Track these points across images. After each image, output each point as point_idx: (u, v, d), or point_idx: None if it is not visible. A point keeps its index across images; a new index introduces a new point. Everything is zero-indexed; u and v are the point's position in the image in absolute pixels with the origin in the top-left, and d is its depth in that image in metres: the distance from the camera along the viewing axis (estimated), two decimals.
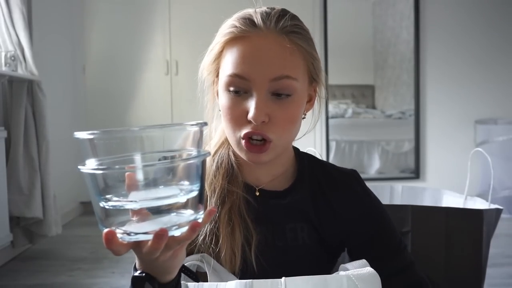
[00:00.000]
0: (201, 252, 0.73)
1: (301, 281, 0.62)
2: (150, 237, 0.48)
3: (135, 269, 0.58)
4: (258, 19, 0.70)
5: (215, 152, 0.78)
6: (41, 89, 2.59)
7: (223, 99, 0.71)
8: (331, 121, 3.94)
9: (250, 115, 0.67)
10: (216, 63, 0.73)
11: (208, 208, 0.54)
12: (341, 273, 0.65)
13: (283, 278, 0.63)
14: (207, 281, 0.69)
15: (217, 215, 0.73)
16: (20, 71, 2.54)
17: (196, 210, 0.52)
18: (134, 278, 0.57)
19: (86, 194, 3.94)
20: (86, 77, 3.79)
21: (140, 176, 0.48)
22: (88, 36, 3.78)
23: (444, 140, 3.92)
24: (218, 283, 0.65)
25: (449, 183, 3.25)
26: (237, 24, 0.70)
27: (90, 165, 0.48)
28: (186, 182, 0.50)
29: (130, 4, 3.78)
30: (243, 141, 0.69)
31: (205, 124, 0.53)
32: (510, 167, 3.41)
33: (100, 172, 0.47)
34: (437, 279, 1.00)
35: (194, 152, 0.52)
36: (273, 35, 0.69)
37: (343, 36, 3.94)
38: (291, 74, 0.69)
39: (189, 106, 3.64)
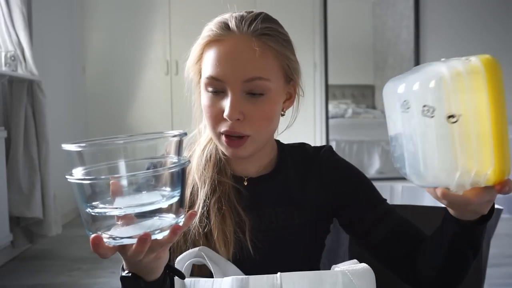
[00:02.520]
0: (193, 240, 0.76)
1: (297, 277, 0.64)
2: (134, 241, 0.52)
3: (123, 270, 0.62)
4: (232, 23, 0.74)
5: (204, 147, 0.83)
6: (41, 89, 2.59)
7: (203, 99, 0.76)
8: (331, 121, 3.94)
9: (225, 114, 0.72)
10: (198, 65, 0.78)
11: (188, 211, 0.57)
12: (336, 268, 0.66)
13: (279, 273, 0.64)
14: (208, 272, 0.71)
15: (208, 204, 0.77)
16: (20, 71, 2.54)
17: (177, 214, 0.55)
18: (122, 278, 0.61)
19: None
20: (86, 77, 3.79)
21: (124, 183, 0.51)
22: (88, 36, 3.78)
23: None
24: (214, 279, 0.67)
25: None
26: (213, 28, 0.75)
27: (76, 175, 0.52)
28: (168, 188, 0.54)
29: (130, 4, 3.78)
30: (223, 137, 0.74)
31: (185, 134, 0.56)
32: None
33: (87, 182, 0.51)
34: None
35: (175, 159, 0.55)
36: (245, 38, 0.73)
37: (343, 36, 3.94)
38: (263, 75, 0.72)
39: (189, 106, 3.64)
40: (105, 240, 0.52)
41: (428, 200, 1.29)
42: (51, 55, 3.16)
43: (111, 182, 0.51)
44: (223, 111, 0.72)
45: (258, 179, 0.82)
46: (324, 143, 3.90)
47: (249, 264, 0.75)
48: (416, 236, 0.78)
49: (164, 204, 0.53)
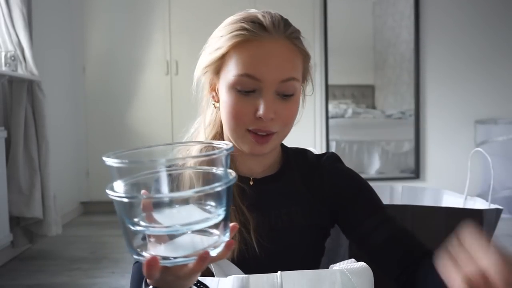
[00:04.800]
0: None
1: (296, 275, 0.64)
2: (189, 260, 0.49)
3: (146, 284, 0.59)
4: (267, 24, 0.75)
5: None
6: (41, 89, 2.59)
7: (228, 97, 0.76)
8: (331, 121, 3.94)
9: (260, 113, 0.73)
10: (219, 63, 0.77)
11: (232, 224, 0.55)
12: (335, 267, 0.67)
13: (279, 272, 0.65)
14: (210, 272, 0.71)
15: None
16: (20, 71, 2.54)
17: (224, 228, 0.52)
18: None
19: (86, 194, 3.95)
20: (86, 77, 3.78)
21: (167, 199, 0.49)
22: (88, 36, 3.78)
23: (444, 140, 3.92)
24: (215, 278, 0.67)
25: (449, 183, 3.25)
26: (248, 27, 0.74)
27: (118, 189, 0.48)
28: (213, 202, 0.50)
29: (130, 4, 3.78)
30: (249, 134, 0.76)
31: (231, 149, 0.52)
32: (510, 167, 3.41)
33: (126, 201, 0.47)
34: None
35: (221, 171, 0.51)
36: (282, 40, 0.75)
37: (343, 36, 3.94)
38: (296, 76, 0.76)
39: (189, 106, 3.64)
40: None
41: (428, 200, 1.29)
42: (51, 55, 3.16)
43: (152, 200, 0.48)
44: (253, 110, 0.74)
45: (263, 180, 0.83)
46: (324, 143, 3.91)
47: (253, 263, 0.75)
48: (415, 247, 0.77)
49: (216, 221, 0.50)
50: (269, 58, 0.74)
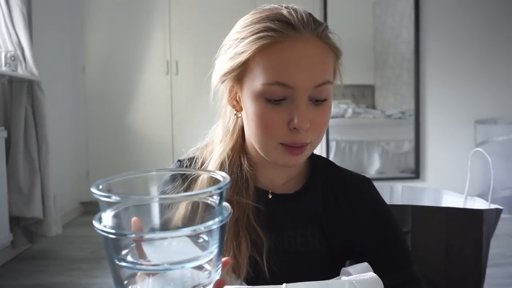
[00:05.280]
0: None
1: (303, 287, 0.62)
2: None
3: None
4: (296, 22, 0.65)
5: (223, 162, 0.75)
6: (41, 89, 2.59)
7: (256, 107, 0.67)
8: (331, 121, 3.90)
9: (296, 123, 0.65)
10: (242, 69, 0.68)
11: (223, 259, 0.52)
12: (343, 278, 0.64)
13: (284, 284, 0.62)
14: None
15: None
16: (20, 71, 2.54)
17: (216, 264, 0.49)
18: None
19: (86, 194, 3.94)
20: (86, 77, 3.78)
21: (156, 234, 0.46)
22: (88, 36, 3.78)
23: (444, 140, 3.92)
24: None
25: (449, 183, 3.25)
26: (274, 27, 0.65)
27: (106, 220, 0.46)
28: (208, 239, 0.48)
29: (130, 4, 3.78)
30: (282, 146, 0.68)
31: (229, 183, 0.49)
32: (510, 167, 3.41)
33: (114, 237, 0.44)
34: (437, 279, 1.00)
35: (215, 203, 0.48)
36: (314, 39, 0.66)
37: (343, 36, 3.92)
38: (330, 79, 0.69)
39: (189, 106, 3.64)
40: None
41: (428, 200, 1.29)
42: (51, 55, 3.16)
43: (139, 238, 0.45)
44: (286, 120, 0.66)
45: (282, 197, 0.76)
46: (324, 143, 3.91)
47: (262, 283, 0.70)
48: None
49: (208, 259, 0.47)
50: (302, 61, 0.64)
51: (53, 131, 2.76)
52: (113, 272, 0.47)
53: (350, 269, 0.67)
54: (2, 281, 2.26)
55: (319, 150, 3.85)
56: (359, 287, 0.61)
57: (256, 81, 0.66)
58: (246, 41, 0.66)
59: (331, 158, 3.93)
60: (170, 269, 0.45)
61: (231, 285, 0.70)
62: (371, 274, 0.64)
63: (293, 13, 0.66)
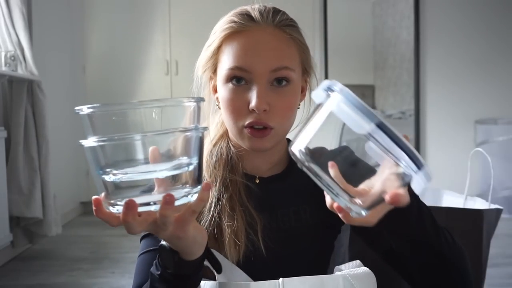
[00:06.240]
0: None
1: (298, 282, 0.63)
2: (151, 207, 0.51)
3: (157, 266, 0.62)
4: (255, 14, 0.74)
5: (214, 145, 0.81)
6: (41, 89, 2.59)
7: (224, 92, 0.74)
8: None
9: (253, 104, 0.71)
10: (214, 59, 0.76)
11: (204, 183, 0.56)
12: (337, 273, 0.66)
13: (281, 279, 0.63)
14: (212, 275, 0.70)
15: (219, 203, 0.75)
16: (20, 71, 2.54)
17: (197, 181, 0.54)
18: (160, 247, 0.61)
19: (86, 194, 3.94)
20: (86, 77, 3.79)
21: (143, 148, 0.50)
22: (88, 36, 3.78)
23: (444, 140, 3.92)
24: (215, 282, 0.66)
25: (449, 183, 3.24)
26: (236, 19, 0.73)
27: (90, 140, 0.50)
28: (185, 157, 0.52)
29: (130, 4, 3.78)
30: (246, 130, 0.73)
31: (202, 99, 0.54)
32: (510, 167, 3.41)
33: (103, 143, 0.49)
34: None
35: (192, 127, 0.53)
36: (271, 29, 0.73)
37: (343, 36, 3.94)
38: (289, 65, 0.73)
39: None
40: (112, 208, 0.51)
41: (428, 200, 1.29)
42: (51, 55, 3.16)
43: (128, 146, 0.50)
44: (247, 103, 0.72)
45: (270, 178, 0.81)
46: None
47: (260, 266, 0.73)
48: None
49: (188, 169, 0.52)
50: (258, 47, 0.72)
51: (53, 131, 2.76)
52: (99, 191, 0.51)
53: (343, 266, 0.69)
54: (2, 281, 2.26)
55: None
56: (353, 281, 0.63)
57: (223, 67, 0.74)
58: (216, 33, 0.76)
59: None
60: (142, 178, 0.50)
61: (230, 269, 0.72)
62: (364, 269, 0.66)
63: (257, 8, 0.75)
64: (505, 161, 3.41)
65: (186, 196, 0.52)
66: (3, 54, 2.53)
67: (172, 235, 0.56)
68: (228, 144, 0.80)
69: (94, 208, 0.51)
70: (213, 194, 0.75)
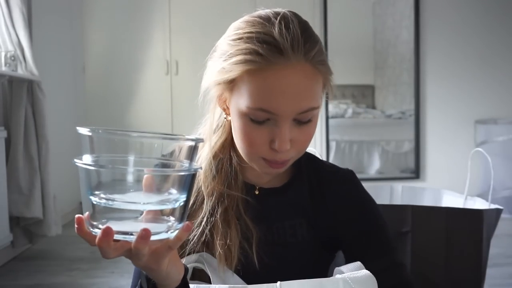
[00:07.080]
0: (195, 252, 0.74)
1: (297, 285, 0.62)
2: (130, 238, 0.50)
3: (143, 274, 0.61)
4: (285, 46, 0.64)
5: (215, 155, 0.77)
6: (41, 89, 2.59)
7: (240, 123, 0.69)
8: (331, 121, 3.94)
9: (277, 146, 0.67)
10: (230, 85, 0.69)
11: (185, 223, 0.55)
12: (337, 276, 0.65)
13: (279, 282, 0.63)
14: (207, 279, 0.69)
15: (212, 219, 0.74)
16: (20, 71, 2.54)
17: (181, 218, 0.53)
18: (143, 276, 0.61)
19: None
20: (86, 77, 3.78)
21: (130, 178, 0.50)
22: (88, 36, 3.78)
23: (444, 140, 3.92)
24: (212, 285, 0.65)
25: (449, 183, 3.25)
26: (262, 51, 0.63)
27: (86, 160, 0.50)
28: (174, 191, 0.52)
29: (130, 4, 3.78)
30: (263, 160, 0.70)
31: (201, 140, 0.54)
32: (510, 167, 3.41)
33: (93, 168, 0.49)
34: (437, 279, 1.00)
35: (186, 165, 0.53)
36: (302, 65, 0.65)
37: (343, 36, 3.94)
38: (316, 105, 0.68)
39: (189, 106, 3.64)
40: (93, 230, 0.50)
41: (428, 200, 1.29)
42: (51, 55, 3.16)
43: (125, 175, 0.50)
44: (267, 140, 0.68)
45: (269, 191, 0.79)
46: (324, 143, 3.91)
47: (253, 278, 0.71)
48: None
49: (174, 205, 0.52)
50: (287, 90, 0.64)
51: (53, 131, 2.76)
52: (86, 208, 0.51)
53: (343, 268, 0.68)
54: (2, 281, 2.26)
55: (319, 150, 3.85)
56: (353, 285, 0.62)
57: (242, 101, 0.67)
58: (234, 59, 0.66)
59: (331, 158, 3.93)
60: (134, 208, 0.50)
61: (223, 273, 0.71)
62: (365, 272, 0.65)
63: (284, 32, 0.64)
64: (505, 161, 3.41)
65: (165, 232, 0.52)
66: (3, 54, 2.53)
67: (146, 266, 0.55)
68: (231, 154, 0.77)
69: (76, 226, 0.50)
70: (206, 208, 0.74)
